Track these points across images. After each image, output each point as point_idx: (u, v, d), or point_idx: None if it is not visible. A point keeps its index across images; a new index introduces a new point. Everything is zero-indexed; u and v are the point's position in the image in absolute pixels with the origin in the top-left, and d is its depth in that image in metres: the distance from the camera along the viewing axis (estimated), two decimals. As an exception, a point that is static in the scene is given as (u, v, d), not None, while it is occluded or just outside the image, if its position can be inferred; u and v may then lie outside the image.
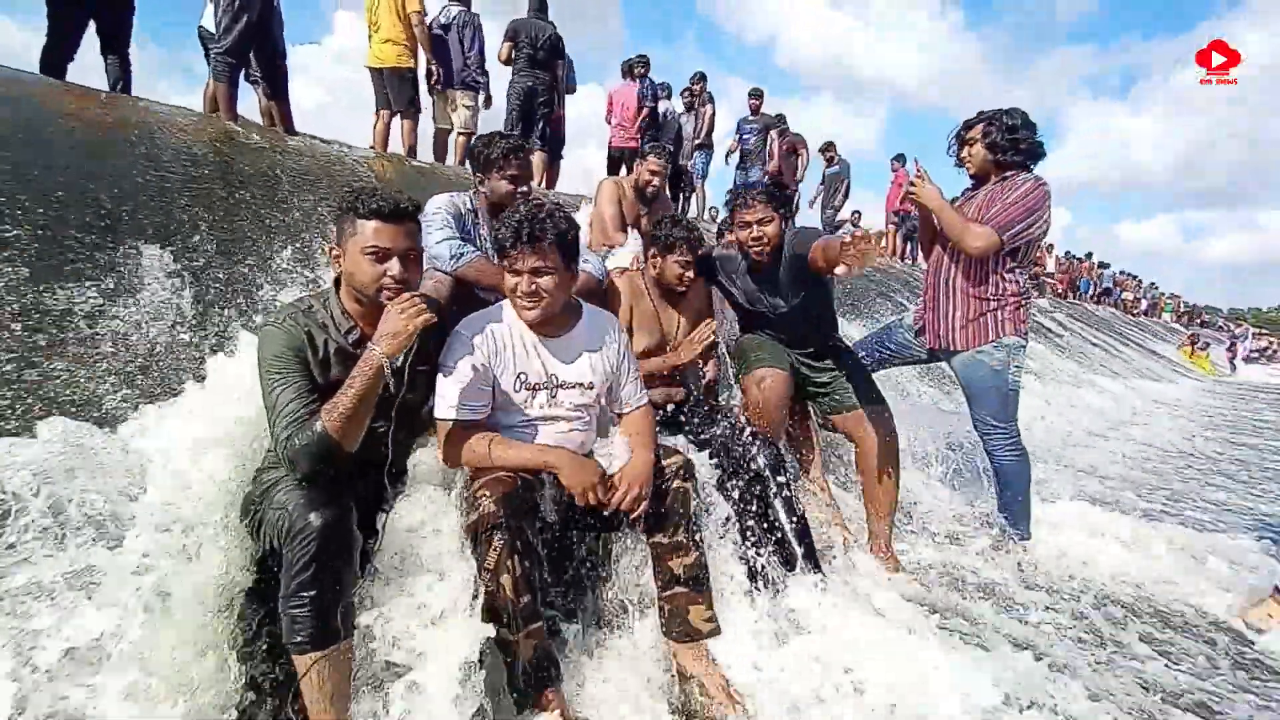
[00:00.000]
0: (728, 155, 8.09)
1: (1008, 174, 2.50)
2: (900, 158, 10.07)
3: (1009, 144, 2.47)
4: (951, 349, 2.59)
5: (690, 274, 2.36)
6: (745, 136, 7.84)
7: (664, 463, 1.80)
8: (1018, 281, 2.51)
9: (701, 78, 7.45)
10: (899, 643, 1.85)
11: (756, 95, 7.96)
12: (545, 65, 5.57)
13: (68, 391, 1.78)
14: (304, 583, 1.26)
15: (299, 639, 1.27)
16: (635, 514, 1.70)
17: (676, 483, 1.78)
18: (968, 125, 2.58)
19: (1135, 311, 20.89)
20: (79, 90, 3.37)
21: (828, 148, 9.47)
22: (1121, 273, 21.52)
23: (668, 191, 6.58)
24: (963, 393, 2.66)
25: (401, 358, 1.48)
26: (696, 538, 1.80)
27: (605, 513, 1.68)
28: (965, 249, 2.44)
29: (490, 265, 2.12)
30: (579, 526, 1.81)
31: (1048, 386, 6.89)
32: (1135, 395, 8.68)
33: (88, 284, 2.11)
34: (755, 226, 2.31)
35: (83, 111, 3.01)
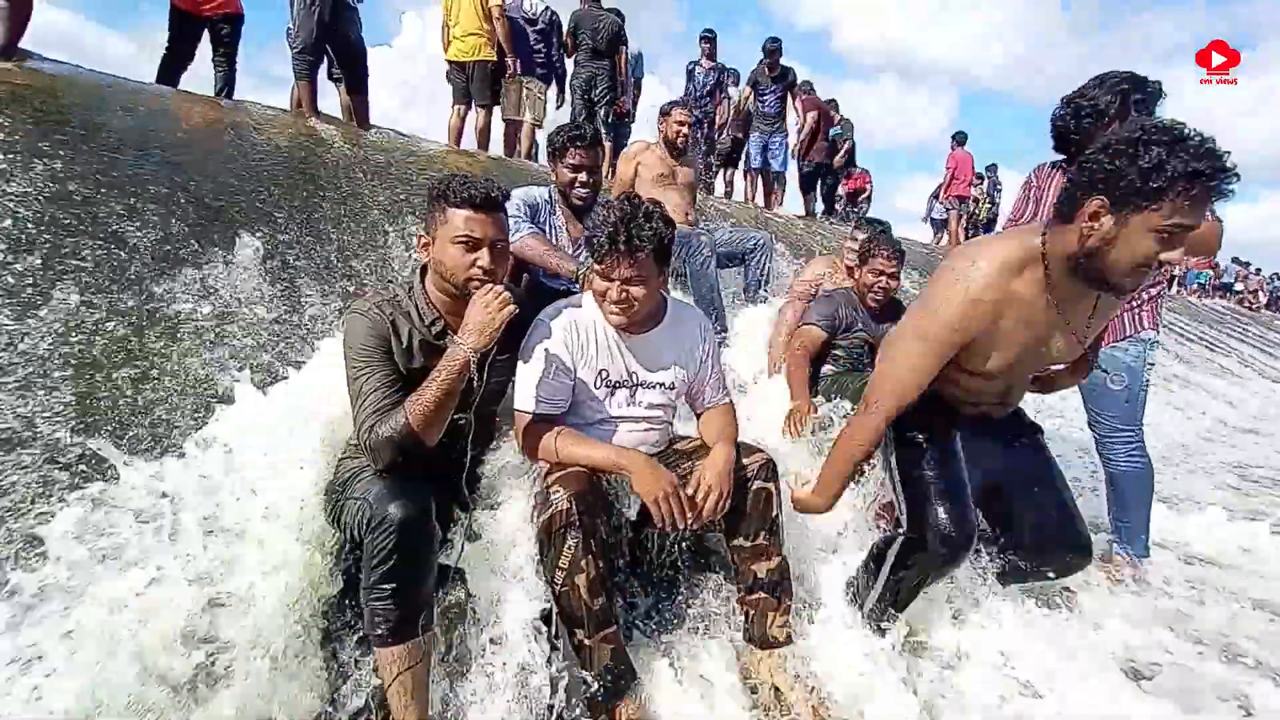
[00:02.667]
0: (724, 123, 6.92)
1: None
2: (960, 136, 9.17)
3: None
4: None
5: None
6: (764, 98, 6.72)
7: (744, 461, 1.70)
8: (1159, 273, 2.25)
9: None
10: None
11: (774, 48, 6.48)
12: (607, 55, 5.67)
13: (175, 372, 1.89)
14: (384, 574, 1.25)
15: (380, 632, 1.27)
16: (715, 518, 1.62)
17: (758, 484, 1.69)
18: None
19: (1254, 306, 18.85)
20: (189, 96, 3.63)
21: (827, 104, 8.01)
22: (1235, 261, 19.38)
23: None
24: (1082, 394, 2.40)
25: None
26: (779, 541, 1.70)
27: (681, 524, 1.58)
28: (1210, 252, 2.25)
29: (542, 244, 2.14)
30: (655, 525, 1.74)
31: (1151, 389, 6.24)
32: (1257, 399, 7.81)
33: (194, 271, 2.25)
34: (885, 278, 2.62)
35: (194, 115, 3.22)
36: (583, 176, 2.24)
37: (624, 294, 1.56)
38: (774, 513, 1.69)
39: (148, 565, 1.31)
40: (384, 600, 1.25)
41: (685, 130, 3.37)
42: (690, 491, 1.59)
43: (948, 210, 9.35)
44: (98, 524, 1.39)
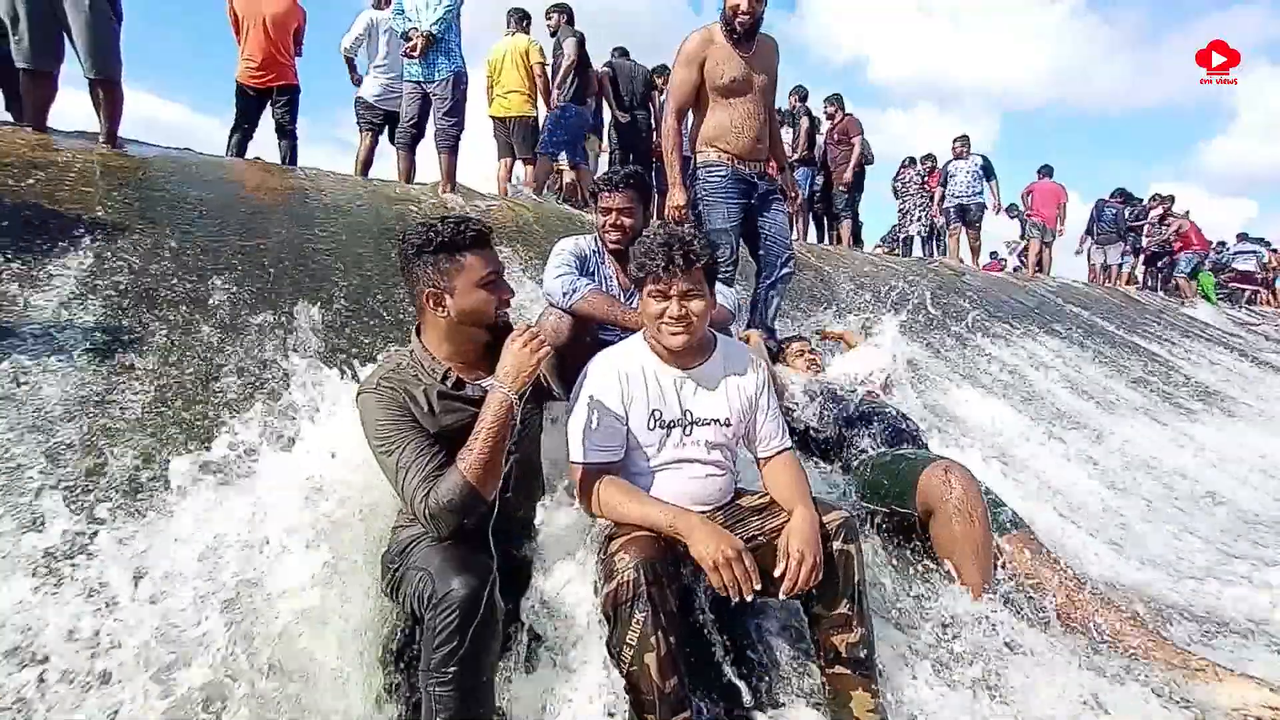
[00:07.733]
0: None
1: None
2: (1046, 169, 9.03)
3: None
4: None
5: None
6: None
7: (822, 520, 1.56)
8: None
9: (804, 96, 7.19)
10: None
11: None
12: (641, 104, 5.97)
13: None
14: (447, 656, 1.17)
15: (440, 720, 1.18)
16: (809, 588, 1.47)
17: (838, 544, 1.53)
18: None
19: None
20: (258, 165, 3.88)
21: (830, 102, 7.18)
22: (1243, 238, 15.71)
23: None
24: None
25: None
26: (863, 610, 1.54)
27: (747, 594, 1.43)
28: None
29: (605, 298, 2.08)
30: (724, 594, 1.61)
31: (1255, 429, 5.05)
32: None
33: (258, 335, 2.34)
34: (808, 353, 2.89)
35: (262, 183, 3.43)
36: (612, 219, 2.21)
37: (684, 309, 1.54)
38: (856, 578, 1.53)
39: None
40: (446, 686, 1.17)
41: (744, 6, 2.77)
42: (781, 565, 1.46)
43: (1027, 239, 9.48)
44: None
